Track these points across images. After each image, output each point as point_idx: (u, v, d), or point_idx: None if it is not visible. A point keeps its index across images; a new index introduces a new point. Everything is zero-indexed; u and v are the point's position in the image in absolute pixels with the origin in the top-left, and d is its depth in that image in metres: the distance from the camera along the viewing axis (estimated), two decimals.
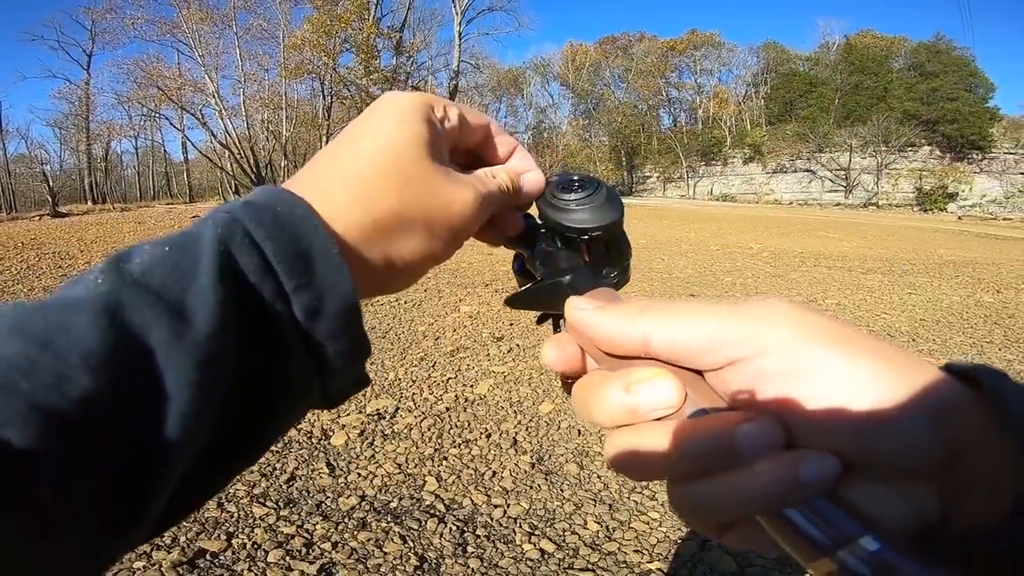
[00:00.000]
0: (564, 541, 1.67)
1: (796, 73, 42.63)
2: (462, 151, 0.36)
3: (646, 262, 6.84)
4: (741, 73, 44.96)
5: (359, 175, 0.28)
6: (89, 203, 24.05)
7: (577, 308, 0.27)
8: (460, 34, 29.32)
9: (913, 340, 3.70)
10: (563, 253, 0.34)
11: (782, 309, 0.23)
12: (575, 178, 0.36)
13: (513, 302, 0.35)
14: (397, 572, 1.52)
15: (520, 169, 0.36)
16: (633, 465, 0.24)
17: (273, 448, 1.29)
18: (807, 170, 38.67)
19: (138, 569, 1.46)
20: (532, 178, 0.36)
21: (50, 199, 16.13)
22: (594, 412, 0.25)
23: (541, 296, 0.33)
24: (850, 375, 0.21)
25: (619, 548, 1.64)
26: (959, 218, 23.22)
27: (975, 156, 36.00)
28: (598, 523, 1.75)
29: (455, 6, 29.28)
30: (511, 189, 0.35)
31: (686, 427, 0.22)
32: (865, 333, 0.22)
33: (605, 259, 0.35)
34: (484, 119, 0.36)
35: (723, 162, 41.87)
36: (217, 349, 0.21)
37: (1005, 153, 35.65)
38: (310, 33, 21.48)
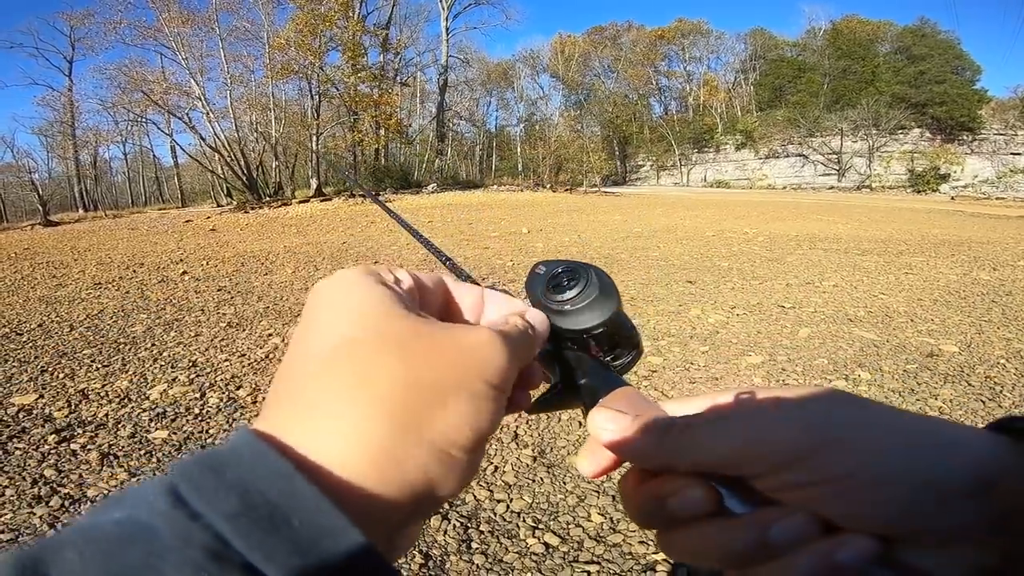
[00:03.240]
0: (568, 534, 1.66)
1: (784, 59, 42.67)
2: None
3: (643, 250, 6.82)
4: (729, 60, 45.04)
5: (335, 364, 0.23)
6: (80, 211, 23.88)
7: (603, 430, 0.27)
8: (447, 29, 29.11)
9: (911, 320, 3.70)
10: (571, 355, 0.33)
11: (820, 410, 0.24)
12: (560, 270, 0.35)
13: (534, 409, 0.33)
14: (402, 570, 1.50)
15: (516, 310, 0.31)
16: (692, 557, 0.25)
17: None
18: (799, 155, 38.74)
19: None
20: (536, 317, 0.31)
21: (41, 208, 16.02)
22: (637, 519, 0.27)
23: (562, 401, 0.33)
24: (885, 457, 0.22)
25: (624, 540, 1.63)
26: (952, 199, 23.32)
27: (965, 137, 36.16)
28: (602, 515, 1.74)
29: (441, 1, 29.08)
30: (532, 332, 0.30)
31: (723, 527, 0.23)
32: (900, 410, 0.23)
33: (613, 346, 0.34)
34: (437, 275, 0.31)
35: (715, 149, 41.91)
36: None
37: (995, 134, 35.79)
38: (294, 33, 21.30)
